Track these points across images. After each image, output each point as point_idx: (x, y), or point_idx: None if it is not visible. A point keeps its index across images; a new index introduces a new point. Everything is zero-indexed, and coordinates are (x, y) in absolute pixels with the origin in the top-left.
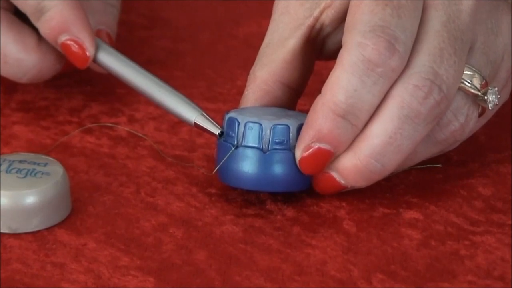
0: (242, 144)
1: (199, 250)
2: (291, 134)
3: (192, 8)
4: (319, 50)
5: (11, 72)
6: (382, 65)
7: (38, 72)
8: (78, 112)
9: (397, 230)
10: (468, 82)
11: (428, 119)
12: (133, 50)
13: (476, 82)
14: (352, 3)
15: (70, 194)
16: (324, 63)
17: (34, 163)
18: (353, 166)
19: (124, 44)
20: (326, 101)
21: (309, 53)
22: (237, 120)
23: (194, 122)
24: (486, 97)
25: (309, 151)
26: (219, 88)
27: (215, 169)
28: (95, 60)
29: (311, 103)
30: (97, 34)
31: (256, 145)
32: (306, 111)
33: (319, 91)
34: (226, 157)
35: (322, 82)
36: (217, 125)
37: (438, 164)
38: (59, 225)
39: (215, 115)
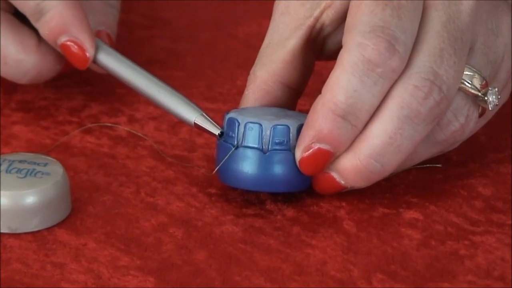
0: (242, 145)
1: (199, 250)
2: (291, 135)
3: (192, 8)
4: (319, 50)
5: (10, 73)
6: (382, 66)
7: (37, 73)
8: (78, 112)
9: (397, 230)
10: (468, 83)
11: (428, 119)
12: (133, 50)
13: (476, 82)
14: (352, 4)
15: (70, 194)
16: (324, 63)
17: (34, 163)
18: (353, 167)
19: (124, 44)
20: (326, 101)
21: (309, 53)
22: (237, 121)
23: (194, 123)
24: (486, 98)
25: (309, 152)
26: (219, 88)
27: (215, 169)
28: (95, 61)
29: (311, 103)
30: (97, 35)
31: (256, 146)
32: (306, 111)
33: (319, 91)
34: (226, 158)
35: (322, 82)
36: (217, 125)
37: (438, 164)
38: (59, 225)
39: (215, 115)
